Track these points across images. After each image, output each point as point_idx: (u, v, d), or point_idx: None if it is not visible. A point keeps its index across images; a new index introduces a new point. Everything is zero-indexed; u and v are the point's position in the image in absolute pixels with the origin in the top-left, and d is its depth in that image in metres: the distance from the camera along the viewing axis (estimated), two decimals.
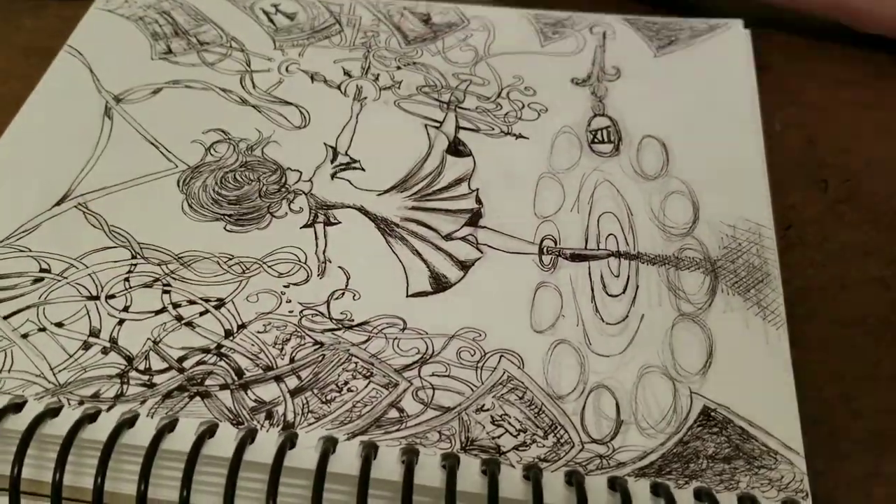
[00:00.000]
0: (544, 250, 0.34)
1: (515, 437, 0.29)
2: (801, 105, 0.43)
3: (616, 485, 0.27)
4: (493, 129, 0.39)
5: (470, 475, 0.27)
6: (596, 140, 0.39)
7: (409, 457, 0.27)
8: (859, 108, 0.43)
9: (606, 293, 0.33)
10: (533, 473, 0.27)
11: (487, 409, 0.29)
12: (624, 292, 0.33)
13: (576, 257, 0.34)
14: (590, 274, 0.33)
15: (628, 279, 0.33)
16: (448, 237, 0.35)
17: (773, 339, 0.31)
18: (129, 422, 0.28)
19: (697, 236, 0.35)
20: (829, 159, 0.40)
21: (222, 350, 0.31)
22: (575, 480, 0.27)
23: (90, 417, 0.28)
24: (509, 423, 0.29)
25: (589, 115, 0.40)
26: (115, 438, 0.27)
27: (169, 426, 0.28)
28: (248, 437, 0.28)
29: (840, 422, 0.31)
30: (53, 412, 0.28)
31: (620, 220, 0.35)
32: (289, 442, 0.27)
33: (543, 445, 0.28)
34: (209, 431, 0.28)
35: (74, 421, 0.27)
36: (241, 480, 0.27)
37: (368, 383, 0.30)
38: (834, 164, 0.40)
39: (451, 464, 0.27)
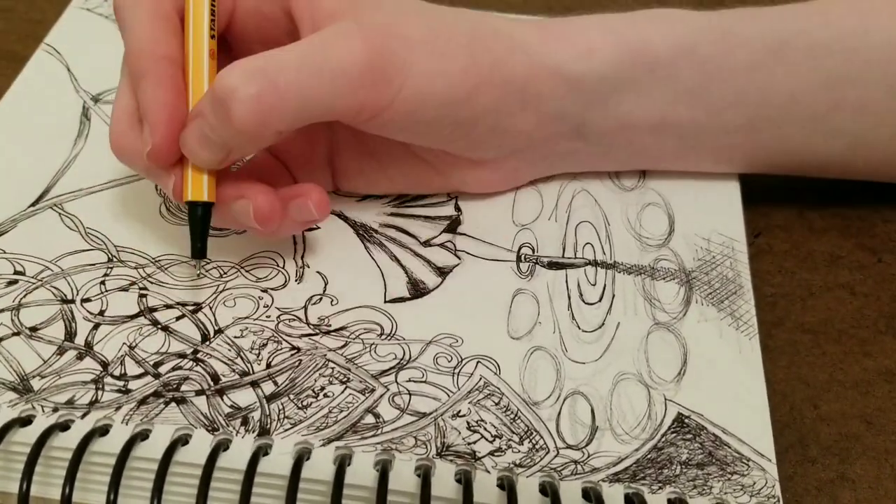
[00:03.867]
0: (522, 258, 0.34)
1: (491, 442, 0.29)
2: None
3: (590, 493, 0.27)
4: None
5: (445, 481, 0.27)
6: None
7: (385, 462, 0.27)
8: None
9: (583, 301, 0.33)
10: (507, 480, 0.27)
11: (463, 415, 0.29)
12: (600, 300, 0.33)
13: (553, 265, 0.34)
14: (567, 282, 0.34)
15: (605, 288, 0.34)
16: (426, 243, 0.35)
17: (745, 349, 0.32)
18: (100, 430, 0.28)
19: (673, 248, 0.35)
20: None
21: (199, 355, 0.30)
22: (550, 490, 0.27)
23: (61, 426, 0.28)
24: (485, 429, 0.29)
25: None
26: (84, 447, 0.27)
27: (141, 435, 0.28)
28: (222, 445, 0.27)
29: (808, 427, 0.32)
30: (24, 421, 0.28)
31: (597, 229, 0.36)
32: (263, 448, 0.27)
33: (519, 451, 0.28)
34: (182, 440, 0.28)
35: (43, 430, 0.27)
36: (217, 490, 0.27)
37: (345, 389, 0.30)
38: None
39: (425, 470, 0.27)
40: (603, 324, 0.32)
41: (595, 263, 0.34)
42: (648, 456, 0.29)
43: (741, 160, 0.37)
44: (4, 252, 0.33)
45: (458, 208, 0.36)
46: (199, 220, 0.30)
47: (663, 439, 0.29)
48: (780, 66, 0.34)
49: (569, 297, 0.33)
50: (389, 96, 0.29)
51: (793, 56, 0.34)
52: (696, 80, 0.34)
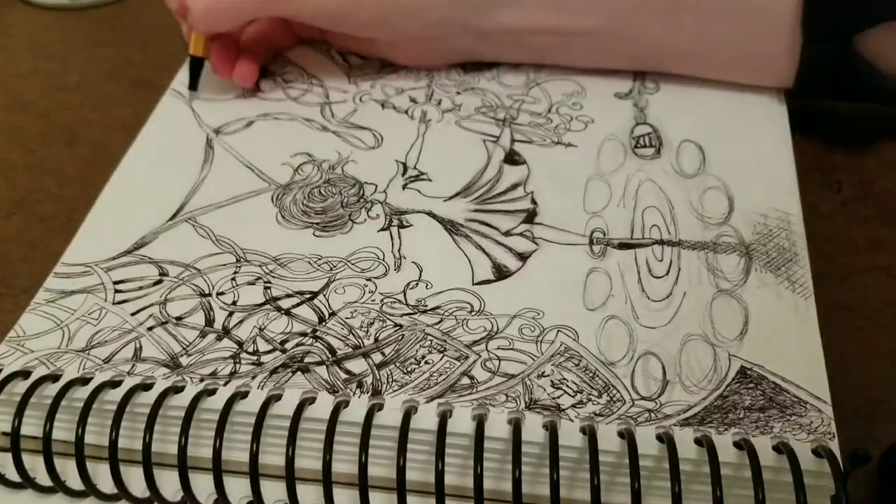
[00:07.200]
0: (594, 241, 0.38)
1: (573, 397, 0.33)
2: (818, 112, 0.46)
3: (663, 436, 0.30)
4: (545, 140, 0.44)
5: (534, 429, 0.31)
6: (639, 145, 0.43)
7: (480, 414, 0.31)
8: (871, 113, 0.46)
9: (651, 275, 0.37)
10: (589, 427, 0.31)
11: (547, 375, 0.33)
12: (667, 274, 0.37)
13: (623, 246, 0.38)
14: (636, 259, 0.37)
15: (671, 263, 0.37)
16: (507, 233, 0.39)
17: (801, 309, 0.35)
18: (241, 395, 0.33)
19: (733, 225, 0.38)
20: (844, 161, 0.43)
21: (317, 333, 0.35)
22: (626, 433, 0.31)
23: (208, 392, 0.33)
24: (567, 386, 0.33)
25: (631, 124, 0.44)
26: (229, 408, 0.32)
27: (275, 397, 0.33)
28: (343, 403, 0.32)
29: (838, 393, 0.32)
30: (177, 389, 0.33)
31: (662, 212, 0.39)
32: (378, 405, 0.32)
33: (598, 403, 0.32)
34: (309, 400, 0.32)
35: (195, 393, 0.32)
36: (339, 443, 0.31)
37: (443, 357, 0.34)
38: (848, 166, 0.43)
39: (516, 419, 0.31)
40: (670, 293, 0.36)
41: (662, 242, 0.38)
42: (715, 403, 0.32)
43: (615, 57, 0.43)
44: (150, 258, 0.39)
45: (534, 201, 0.40)
46: (193, 66, 0.47)
47: (728, 388, 0.32)
48: None
49: (638, 272, 0.37)
50: (293, 9, 0.42)
51: None
52: None
